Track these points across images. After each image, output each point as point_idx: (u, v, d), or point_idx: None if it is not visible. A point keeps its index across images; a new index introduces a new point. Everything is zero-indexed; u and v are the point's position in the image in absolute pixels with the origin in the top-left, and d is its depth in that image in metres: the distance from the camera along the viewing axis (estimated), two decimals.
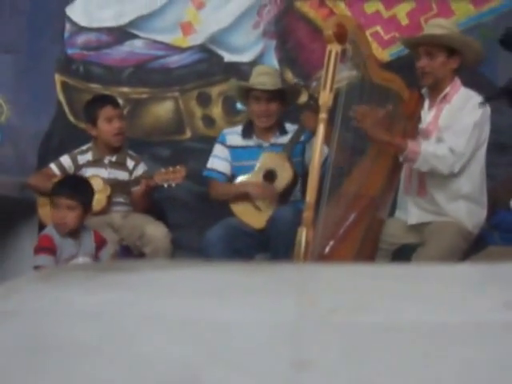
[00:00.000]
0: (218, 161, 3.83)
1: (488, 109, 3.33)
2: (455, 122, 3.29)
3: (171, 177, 3.66)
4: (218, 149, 3.85)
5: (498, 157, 3.92)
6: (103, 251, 3.41)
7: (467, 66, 3.41)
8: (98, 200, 3.62)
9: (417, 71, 3.37)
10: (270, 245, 3.54)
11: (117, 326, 0.84)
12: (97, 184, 3.63)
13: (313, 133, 3.54)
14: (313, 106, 3.48)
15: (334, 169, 3.11)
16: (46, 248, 3.29)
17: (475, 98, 3.34)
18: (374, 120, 3.26)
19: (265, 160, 3.73)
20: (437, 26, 3.44)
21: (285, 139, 3.77)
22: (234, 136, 3.85)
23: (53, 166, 3.85)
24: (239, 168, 3.80)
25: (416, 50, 3.40)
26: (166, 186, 3.67)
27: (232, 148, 3.83)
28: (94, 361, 0.79)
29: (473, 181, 3.35)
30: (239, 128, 3.89)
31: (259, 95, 3.73)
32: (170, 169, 3.69)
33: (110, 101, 3.91)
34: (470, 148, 3.26)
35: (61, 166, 3.84)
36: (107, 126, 3.79)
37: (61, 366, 0.79)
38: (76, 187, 3.36)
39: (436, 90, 3.38)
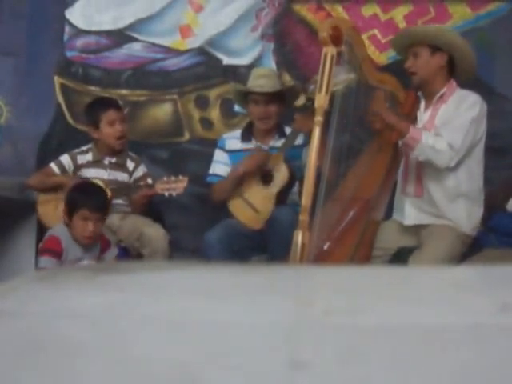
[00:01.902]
0: (219, 166, 3.84)
1: (485, 106, 3.34)
2: (452, 119, 3.31)
3: (173, 186, 3.66)
4: (218, 154, 3.87)
5: (496, 160, 3.93)
6: (107, 253, 3.41)
7: (462, 69, 3.41)
8: None
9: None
10: (268, 246, 3.55)
11: (115, 326, 0.84)
12: None
13: (305, 134, 3.56)
14: (308, 108, 3.49)
15: (330, 171, 3.12)
16: (53, 250, 3.26)
17: (472, 96, 3.35)
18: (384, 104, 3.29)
19: None
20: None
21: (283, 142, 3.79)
22: (233, 140, 3.86)
23: (53, 165, 3.86)
24: None
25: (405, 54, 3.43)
26: (166, 195, 3.67)
27: (231, 152, 3.84)
28: (93, 361, 0.79)
29: (471, 179, 3.36)
30: (238, 132, 3.90)
31: (258, 98, 3.74)
32: (172, 178, 3.69)
33: (112, 104, 3.92)
34: (467, 143, 3.27)
35: (61, 165, 3.85)
36: (110, 129, 3.80)
37: (59, 367, 0.79)
38: (102, 199, 3.34)
39: (431, 90, 3.39)
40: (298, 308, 0.86)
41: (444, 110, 3.36)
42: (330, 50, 2.98)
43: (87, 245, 3.31)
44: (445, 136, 3.26)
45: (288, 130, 3.81)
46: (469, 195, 3.35)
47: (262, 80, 3.77)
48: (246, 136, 3.84)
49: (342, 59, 3.13)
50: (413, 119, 3.39)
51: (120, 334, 0.82)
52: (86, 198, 3.30)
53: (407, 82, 3.42)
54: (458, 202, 3.34)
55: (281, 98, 3.79)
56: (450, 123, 3.30)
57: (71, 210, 3.28)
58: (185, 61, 4.56)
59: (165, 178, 3.70)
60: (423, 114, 3.40)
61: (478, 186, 3.38)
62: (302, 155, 3.72)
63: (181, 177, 3.69)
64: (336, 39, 3.01)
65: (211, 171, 3.87)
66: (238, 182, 3.70)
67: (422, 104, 3.43)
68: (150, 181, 3.82)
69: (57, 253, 3.25)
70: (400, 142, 3.28)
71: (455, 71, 3.40)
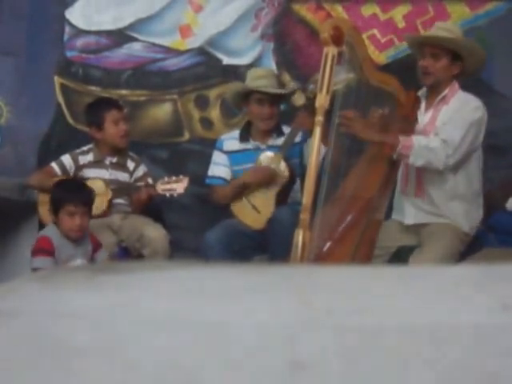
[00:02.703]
0: (218, 167, 3.85)
1: (486, 113, 3.34)
2: (453, 120, 3.31)
3: (173, 187, 3.66)
4: (217, 155, 3.87)
5: (495, 160, 3.93)
6: (99, 254, 3.43)
7: (467, 74, 3.42)
8: (100, 203, 3.63)
9: (419, 70, 3.39)
10: (269, 246, 3.55)
11: (115, 326, 0.84)
12: (98, 187, 3.64)
13: (308, 132, 3.55)
14: (309, 106, 3.49)
15: (331, 170, 3.12)
16: (45, 250, 3.29)
17: (473, 101, 3.36)
18: (363, 122, 3.24)
19: (261, 161, 3.74)
20: (445, 30, 3.47)
21: (282, 141, 3.78)
22: (231, 141, 3.86)
23: (54, 165, 3.87)
24: (239, 172, 3.81)
25: (420, 50, 3.42)
26: (167, 195, 3.67)
27: (230, 153, 3.84)
28: (93, 361, 0.79)
29: (469, 182, 3.37)
30: (236, 133, 3.90)
31: (262, 98, 3.73)
32: (173, 178, 3.69)
33: (114, 104, 3.94)
34: (466, 143, 3.27)
35: (62, 165, 3.85)
36: (114, 128, 3.81)
37: (59, 366, 0.79)
38: (86, 192, 3.39)
39: (434, 91, 3.40)
40: (299, 308, 0.86)
41: (445, 111, 3.37)
42: (331, 50, 2.98)
43: (76, 238, 3.33)
44: (442, 134, 3.26)
45: (286, 128, 3.81)
46: (466, 197, 3.36)
47: (263, 80, 3.76)
48: (245, 136, 3.84)
49: (342, 59, 3.12)
50: (413, 120, 3.39)
51: (120, 334, 0.82)
52: (69, 193, 3.33)
53: (407, 81, 3.42)
54: (456, 203, 3.35)
55: (281, 98, 3.80)
56: (449, 123, 3.30)
57: (56, 207, 3.30)
58: (185, 61, 4.56)
59: (165, 178, 3.70)
60: (424, 116, 3.40)
61: (477, 190, 3.39)
62: (304, 153, 3.71)
63: (181, 176, 3.69)
64: (337, 39, 3.01)
65: (210, 173, 3.87)
66: (240, 191, 3.71)
67: (423, 105, 3.43)
68: (150, 180, 3.82)
69: (49, 251, 3.28)
70: (394, 155, 3.25)
71: (460, 75, 3.41)
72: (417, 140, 3.22)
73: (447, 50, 3.36)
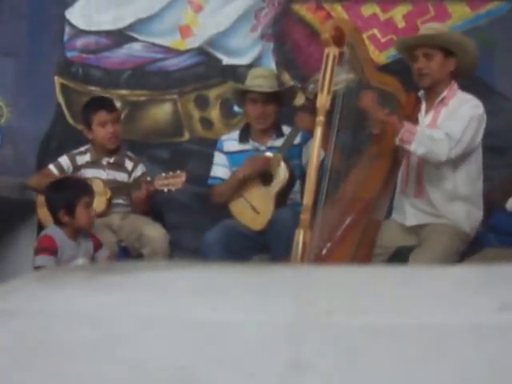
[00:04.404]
0: (219, 168, 3.85)
1: (485, 113, 3.34)
2: (453, 117, 3.31)
3: (171, 182, 3.67)
4: (217, 156, 3.88)
5: (495, 159, 3.94)
6: (99, 253, 3.44)
7: (462, 71, 3.42)
8: (99, 203, 3.63)
9: (414, 73, 3.39)
10: (270, 247, 3.55)
11: (115, 326, 0.84)
12: (97, 186, 3.65)
13: (307, 133, 3.56)
14: (308, 107, 3.49)
15: (331, 171, 3.12)
16: (47, 249, 3.30)
17: (472, 99, 3.36)
18: (376, 101, 3.26)
19: None
20: (431, 29, 3.48)
21: (281, 142, 3.78)
22: (231, 142, 3.87)
23: (52, 167, 3.87)
24: None
25: (411, 53, 3.42)
26: (166, 190, 3.68)
27: (229, 154, 3.85)
28: (93, 361, 0.79)
29: (470, 183, 3.37)
30: (236, 134, 3.90)
31: (255, 97, 3.74)
32: (170, 173, 3.69)
33: (104, 105, 3.90)
34: (468, 137, 3.26)
35: (59, 167, 3.85)
36: (101, 130, 3.80)
37: (59, 367, 0.79)
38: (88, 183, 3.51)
39: (433, 93, 3.40)
40: (299, 308, 0.86)
41: (445, 112, 3.37)
42: (332, 51, 2.98)
43: (89, 228, 3.41)
44: (444, 128, 3.27)
45: (286, 129, 3.81)
46: (467, 198, 3.36)
47: (260, 80, 3.77)
48: (244, 137, 3.85)
49: (343, 60, 3.12)
50: (414, 121, 3.39)
51: (120, 334, 0.82)
52: (82, 187, 3.41)
53: (407, 82, 3.42)
54: (457, 204, 3.35)
55: (278, 98, 3.79)
56: (450, 119, 3.31)
57: (71, 204, 3.30)
58: (185, 61, 4.57)
59: (163, 174, 3.71)
60: (424, 118, 3.40)
61: (478, 191, 3.40)
62: (303, 154, 3.71)
63: (179, 172, 3.70)
64: (338, 40, 3.01)
65: (212, 174, 3.88)
66: (238, 186, 3.71)
67: (423, 106, 3.43)
68: (148, 179, 3.83)
69: (52, 250, 3.29)
70: (396, 140, 3.26)
71: (456, 72, 3.41)
72: (421, 128, 3.22)
73: (438, 48, 3.35)
